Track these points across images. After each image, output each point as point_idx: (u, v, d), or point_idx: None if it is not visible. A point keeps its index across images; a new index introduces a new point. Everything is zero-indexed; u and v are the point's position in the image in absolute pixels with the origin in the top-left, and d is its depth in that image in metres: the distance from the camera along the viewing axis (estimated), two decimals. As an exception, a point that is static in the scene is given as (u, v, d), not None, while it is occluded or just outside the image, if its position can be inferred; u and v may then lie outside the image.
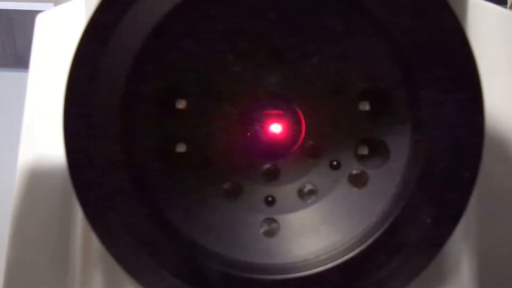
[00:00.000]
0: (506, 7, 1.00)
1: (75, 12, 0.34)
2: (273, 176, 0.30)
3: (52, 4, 1.04)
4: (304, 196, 0.30)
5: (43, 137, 0.33)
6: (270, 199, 0.30)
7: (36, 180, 0.33)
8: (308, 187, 0.30)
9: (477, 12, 0.33)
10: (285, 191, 0.30)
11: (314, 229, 0.29)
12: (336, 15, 0.28)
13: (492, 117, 0.27)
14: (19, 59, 1.11)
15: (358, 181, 0.29)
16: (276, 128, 0.30)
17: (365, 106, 0.29)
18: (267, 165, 0.30)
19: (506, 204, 0.33)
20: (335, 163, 0.30)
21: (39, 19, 0.36)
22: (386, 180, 0.28)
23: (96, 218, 0.27)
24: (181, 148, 0.30)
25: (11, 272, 0.32)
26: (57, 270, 0.32)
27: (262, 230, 0.30)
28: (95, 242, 0.28)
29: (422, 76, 0.26)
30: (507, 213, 0.33)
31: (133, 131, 0.28)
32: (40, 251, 0.32)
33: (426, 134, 0.27)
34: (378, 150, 0.29)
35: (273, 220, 0.30)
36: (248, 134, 0.31)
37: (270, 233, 0.29)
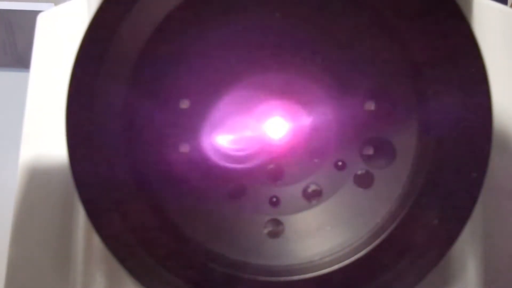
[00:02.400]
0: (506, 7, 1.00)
1: (75, 11, 0.34)
2: (277, 176, 0.30)
3: (52, 4, 1.04)
4: (309, 196, 0.30)
5: (44, 137, 0.33)
6: (274, 199, 0.30)
7: (38, 180, 0.32)
8: (312, 188, 0.30)
9: (482, 11, 0.33)
10: (290, 191, 0.30)
11: (319, 230, 0.29)
12: (342, 14, 0.27)
13: (496, 115, 0.27)
14: (19, 59, 1.11)
15: (363, 181, 0.29)
16: (280, 127, 0.30)
17: (371, 106, 0.29)
18: (272, 166, 0.30)
19: (511, 205, 0.33)
20: (340, 163, 0.30)
21: (40, 19, 0.36)
22: (392, 181, 0.28)
23: (98, 219, 0.27)
24: (184, 148, 0.29)
25: (12, 272, 0.32)
26: (58, 271, 0.32)
27: (266, 231, 0.29)
28: (97, 242, 0.28)
29: (429, 75, 0.26)
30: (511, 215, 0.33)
31: (136, 131, 0.27)
32: (41, 252, 0.32)
33: (433, 134, 0.26)
34: (384, 150, 0.29)
35: (278, 221, 0.29)
36: (252, 134, 0.30)
37: (275, 234, 0.29)
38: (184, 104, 0.29)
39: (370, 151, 0.29)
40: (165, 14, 0.26)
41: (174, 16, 0.26)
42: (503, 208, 0.32)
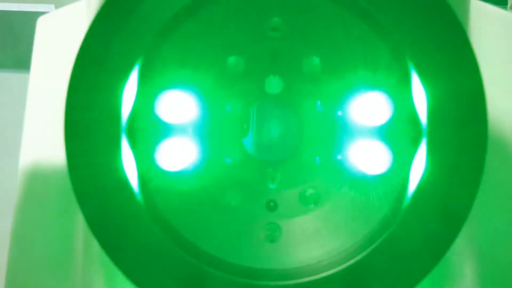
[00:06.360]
0: (506, 8, 1.00)
1: (76, 14, 0.34)
2: (275, 180, 0.30)
3: (53, 5, 1.04)
4: (306, 201, 0.30)
5: (44, 139, 0.33)
6: (272, 204, 0.30)
7: (37, 182, 0.33)
8: (309, 192, 0.30)
9: (479, 14, 0.33)
10: (287, 196, 0.30)
11: (316, 234, 0.29)
12: (339, 20, 0.27)
13: (493, 117, 0.27)
14: (20, 60, 1.11)
15: (360, 186, 0.29)
16: (277, 132, 0.30)
17: (368, 110, 0.29)
18: (269, 170, 0.30)
19: (507, 208, 0.33)
20: (337, 167, 0.30)
21: (40, 21, 0.36)
22: (389, 186, 0.28)
23: (97, 224, 0.27)
24: (183, 152, 0.30)
25: (12, 276, 0.32)
26: (58, 274, 0.32)
27: (264, 235, 0.29)
28: (96, 246, 0.28)
29: (426, 79, 0.26)
30: (508, 217, 0.33)
31: (135, 134, 0.28)
32: (41, 255, 0.32)
33: (429, 138, 0.26)
34: (381, 155, 0.29)
35: (275, 225, 0.30)
36: (250, 138, 0.31)
37: (272, 238, 0.29)
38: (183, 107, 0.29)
39: (367, 155, 0.30)
40: (165, 18, 0.26)
41: (174, 19, 0.26)
42: (499, 211, 0.32)
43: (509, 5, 1.01)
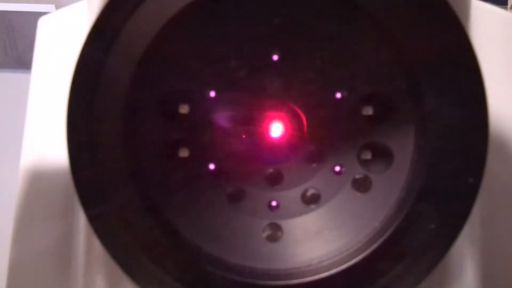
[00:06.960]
0: (506, 8, 1.00)
1: (77, 15, 0.34)
2: (276, 180, 0.30)
3: (53, 5, 1.04)
4: (308, 201, 0.30)
5: (45, 139, 0.33)
6: (273, 204, 0.30)
7: (39, 182, 0.33)
8: (311, 192, 0.30)
9: (480, 14, 0.33)
10: (289, 196, 0.30)
11: (317, 234, 0.29)
12: (339, 20, 0.28)
13: (493, 118, 0.27)
14: (20, 60, 1.11)
15: (361, 186, 0.29)
16: (279, 132, 0.30)
17: (369, 111, 0.29)
18: (270, 170, 0.30)
19: (510, 207, 0.33)
20: (338, 168, 0.30)
21: (41, 21, 0.36)
22: (390, 185, 0.28)
23: (99, 222, 0.27)
24: (184, 153, 0.30)
25: (13, 275, 0.32)
26: (59, 274, 0.32)
27: (265, 235, 0.30)
28: (97, 246, 0.28)
29: (426, 81, 0.26)
30: (509, 217, 0.33)
31: (136, 135, 0.28)
32: (42, 255, 0.32)
33: (430, 139, 0.27)
34: (382, 155, 0.29)
35: (276, 225, 0.30)
36: (251, 138, 0.31)
37: (273, 238, 0.29)
38: (184, 109, 0.29)
39: (368, 155, 0.30)
40: (166, 20, 0.26)
41: (174, 21, 0.26)
42: (501, 211, 0.32)
43: (509, 5, 1.01)
